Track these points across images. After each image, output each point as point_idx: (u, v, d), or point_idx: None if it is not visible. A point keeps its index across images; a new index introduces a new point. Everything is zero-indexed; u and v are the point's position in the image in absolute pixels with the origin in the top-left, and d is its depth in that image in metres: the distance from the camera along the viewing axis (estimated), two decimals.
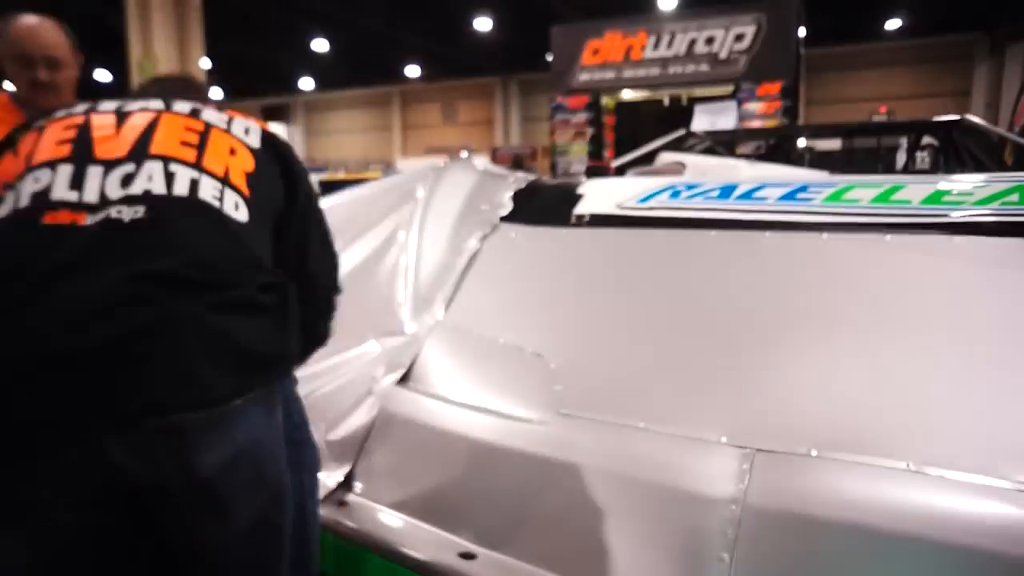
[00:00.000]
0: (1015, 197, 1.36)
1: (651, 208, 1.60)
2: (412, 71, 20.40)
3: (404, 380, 1.51)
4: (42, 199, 0.87)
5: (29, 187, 0.88)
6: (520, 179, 1.92)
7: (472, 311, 1.61)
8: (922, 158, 5.28)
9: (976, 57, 15.55)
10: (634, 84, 10.24)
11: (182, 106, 1.02)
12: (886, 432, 1.07)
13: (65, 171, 0.89)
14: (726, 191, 1.59)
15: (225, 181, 0.94)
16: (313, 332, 1.10)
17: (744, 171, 3.03)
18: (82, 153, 0.91)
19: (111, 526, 0.85)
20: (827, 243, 1.39)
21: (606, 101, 10.67)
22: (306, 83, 21.88)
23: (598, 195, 1.73)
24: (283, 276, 0.96)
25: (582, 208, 1.69)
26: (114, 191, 0.88)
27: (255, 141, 1.04)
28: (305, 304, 0.99)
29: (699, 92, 9.94)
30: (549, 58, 10.87)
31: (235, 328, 0.85)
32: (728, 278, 1.40)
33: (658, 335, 1.36)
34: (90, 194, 0.87)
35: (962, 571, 0.92)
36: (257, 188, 0.98)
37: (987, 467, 0.97)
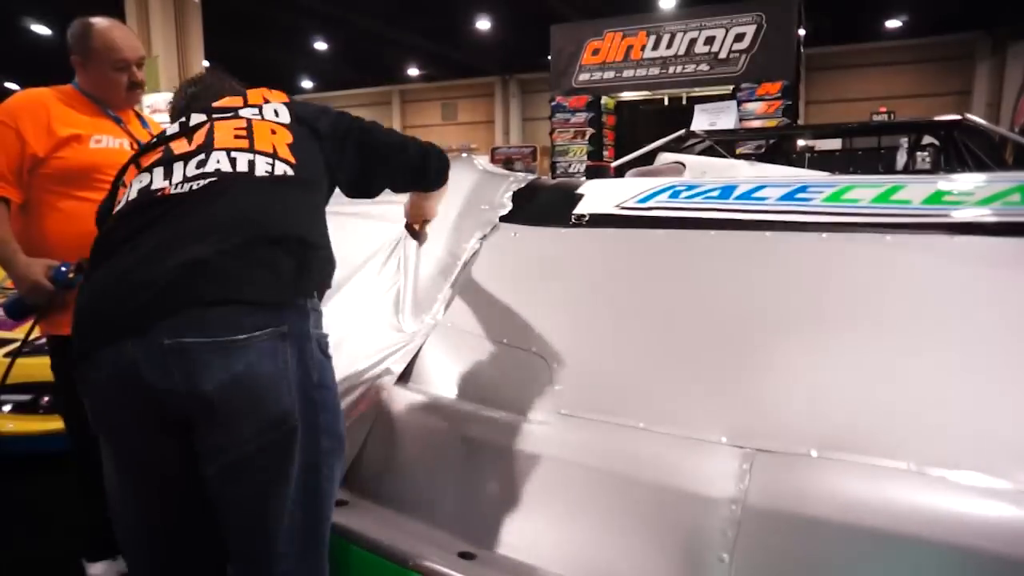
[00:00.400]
0: (1016, 197, 1.36)
1: (651, 208, 1.60)
2: (412, 71, 20.40)
3: (403, 379, 1.51)
4: (146, 189, 1.18)
5: (136, 185, 1.20)
6: (520, 179, 1.92)
7: (471, 311, 1.60)
8: (923, 158, 5.28)
9: (977, 56, 15.55)
10: (634, 84, 10.25)
11: (222, 112, 1.29)
12: (887, 432, 1.06)
13: (159, 171, 1.20)
14: (726, 191, 1.58)
15: (275, 155, 1.21)
16: (423, 178, 1.46)
17: (744, 171, 3.02)
18: (167, 157, 1.22)
19: (167, 445, 1.08)
20: (827, 243, 1.38)
21: (606, 101, 10.67)
22: (306, 83, 21.88)
23: (598, 195, 1.73)
24: (308, 232, 1.17)
25: (582, 208, 1.69)
26: (192, 172, 1.16)
27: (285, 118, 1.31)
28: (396, 177, 1.42)
29: (699, 92, 9.94)
30: (549, 58, 10.87)
31: (248, 276, 1.05)
32: (728, 278, 1.40)
33: (658, 335, 1.35)
34: (176, 177, 1.17)
35: (962, 572, 0.92)
36: (299, 153, 1.25)
37: (988, 468, 0.97)
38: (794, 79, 9.24)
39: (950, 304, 1.23)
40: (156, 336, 0.99)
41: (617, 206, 1.64)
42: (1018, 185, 1.41)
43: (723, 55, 9.46)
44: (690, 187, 1.63)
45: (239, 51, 14.92)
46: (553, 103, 10.71)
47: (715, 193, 1.58)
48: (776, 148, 5.21)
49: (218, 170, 1.16)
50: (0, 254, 1.77)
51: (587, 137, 10.58)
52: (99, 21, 1.90)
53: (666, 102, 10.67)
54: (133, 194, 1.19)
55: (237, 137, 1.23)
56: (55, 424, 2.38)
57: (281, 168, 1.20)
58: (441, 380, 1.48)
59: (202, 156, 1.19)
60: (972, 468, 0.97)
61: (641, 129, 10.00)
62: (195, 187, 1.14)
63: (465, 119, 21.76)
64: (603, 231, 1.60)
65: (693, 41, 9.63)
